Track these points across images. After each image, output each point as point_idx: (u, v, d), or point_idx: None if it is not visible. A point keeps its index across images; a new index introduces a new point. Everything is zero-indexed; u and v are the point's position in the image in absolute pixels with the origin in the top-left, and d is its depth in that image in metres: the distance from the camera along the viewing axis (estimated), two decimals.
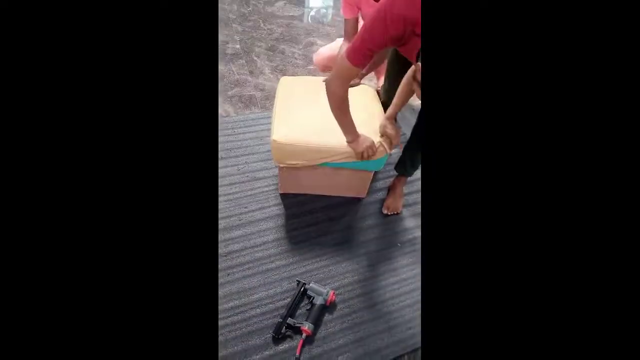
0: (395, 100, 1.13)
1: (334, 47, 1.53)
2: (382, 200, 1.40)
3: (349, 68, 0.89)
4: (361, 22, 1.36)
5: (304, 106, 1.23)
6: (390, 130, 1.15)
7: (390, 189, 1.41)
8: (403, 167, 1.31)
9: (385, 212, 1.36)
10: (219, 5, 2.46)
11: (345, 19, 1.33)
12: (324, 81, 1.11)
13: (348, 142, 1.12)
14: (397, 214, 1.36)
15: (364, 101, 1.28)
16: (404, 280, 1.19)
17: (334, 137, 1.14)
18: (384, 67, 1.50)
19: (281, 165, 1.22)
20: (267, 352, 1.00)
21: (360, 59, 0.87)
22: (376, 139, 1.15)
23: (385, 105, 1.28)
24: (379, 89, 1.46)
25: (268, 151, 1.51)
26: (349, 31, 1.35)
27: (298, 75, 1.95)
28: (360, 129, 1.11)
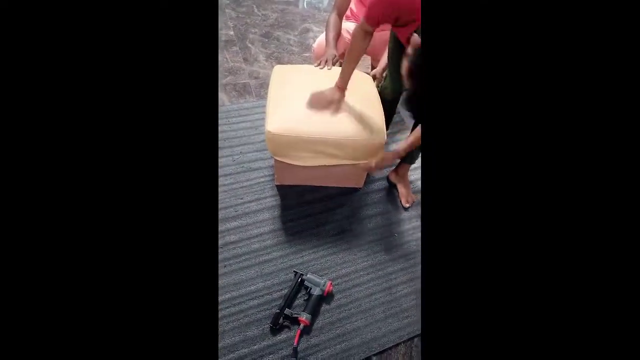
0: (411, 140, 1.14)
1: None
2: (379, 190, 1.40)
3: (366, 28, 0.98)
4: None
5: (299, 96, 1.20)
6: (388, 162, 1.19)
7: (396, 181, 1.40)
8: (409, 156, 1.30)
9: (407, 205, 1.37)
10: None
11: None
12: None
13: (337, 84, 1.14)
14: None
15: (361, 87, 1.26)
16: (401, 270, 1.20)
17: (328, 128, 1.12)
18: (380, 54, 1.47)
19: (277, 158, 1.21)
20: (264, 343, 1.00)
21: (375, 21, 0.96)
22: (369, 120, 1.15)
23: (383, 92, 1.26)
24: (374, 74, 1.44)
25: (263, 141, 1.49)
26: (339, 3, 1.36)
27: (293, 63, 1.91)
28: (356, 110, 1.14)
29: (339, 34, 1.39)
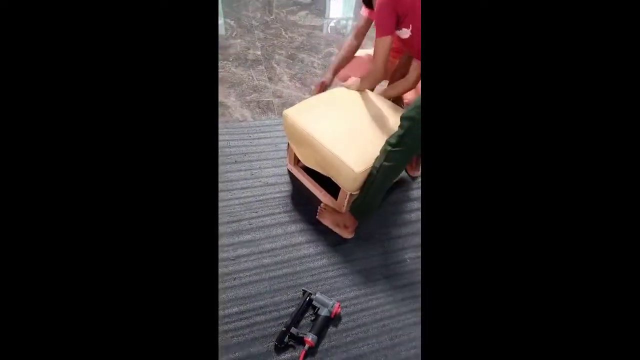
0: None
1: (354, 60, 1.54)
2: (394, 214, 1.39)
3: (381, 41, 1.18)
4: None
5: (323, 102, 1.30)
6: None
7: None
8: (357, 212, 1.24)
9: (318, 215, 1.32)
10: (243, 12, 2.52)
11: (362, 16, 1.37)
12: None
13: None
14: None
15: (383, 115, 1.28)
16: (411, 297, 1.17)
17: (323, 133, 1.19)
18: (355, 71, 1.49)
19: (290, 142, 1.32)
20: None
21: (387, 29, 1.17)
22: (360, 147, 1.17)
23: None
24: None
25: (282, 158, 1.52)
26: (360, 28, 1.39)
27: (315, 84, 1.96)
28: (358, 133, 1.21)
29: (349, 57, 1.41)
